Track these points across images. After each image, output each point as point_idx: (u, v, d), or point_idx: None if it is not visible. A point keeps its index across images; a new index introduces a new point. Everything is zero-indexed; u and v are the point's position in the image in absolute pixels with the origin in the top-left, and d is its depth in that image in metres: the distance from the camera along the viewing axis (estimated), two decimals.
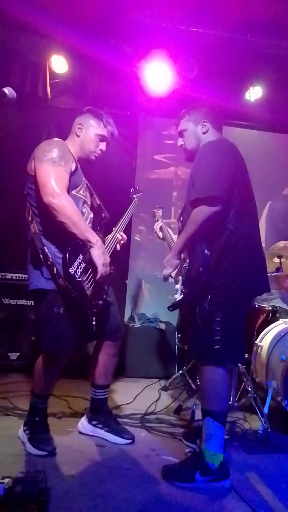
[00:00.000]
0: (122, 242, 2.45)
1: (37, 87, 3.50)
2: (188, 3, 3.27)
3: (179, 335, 3.78)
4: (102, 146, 2.31)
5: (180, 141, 2.27)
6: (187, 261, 2.09)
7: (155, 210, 2.70)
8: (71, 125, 2.35)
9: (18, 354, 3.48)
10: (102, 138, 2.29)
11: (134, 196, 2.68)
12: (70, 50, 3.46)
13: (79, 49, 3.36)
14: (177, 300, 2.10)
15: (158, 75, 3.57)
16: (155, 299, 4.31)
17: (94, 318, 2.10)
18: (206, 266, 1.97)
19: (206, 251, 1.98)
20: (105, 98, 3.62)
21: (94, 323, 2.10)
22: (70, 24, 3.21)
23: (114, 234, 2.40)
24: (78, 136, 2.28)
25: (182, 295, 2.08)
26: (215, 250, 2.00)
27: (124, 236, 2.47)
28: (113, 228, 2.43)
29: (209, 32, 3.48)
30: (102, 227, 2.34)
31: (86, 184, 2.33)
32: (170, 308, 2.13)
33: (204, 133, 2.19)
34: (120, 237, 2.43)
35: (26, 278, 3.35)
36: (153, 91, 3.66)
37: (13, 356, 3.48)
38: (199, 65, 3.60)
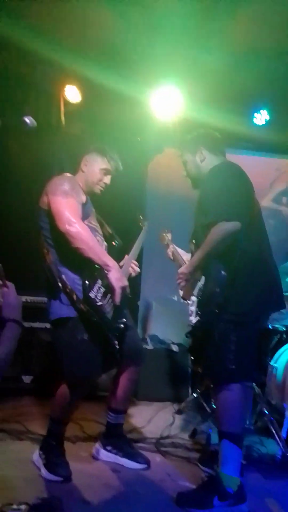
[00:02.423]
0: (134, 274, 2.47)
1: (51, 115, 3.63)
2: (195, 30, 3.39)
3: (192, 357, 3.75)
4: (106, 179, 2.37)
5: (184, 172, 2.34)
6: (202, 281, 2.10)
7: (164, 234, 2.72)
8: (83, 152, 2.43)
9: (31, 377, 3.48)
10: (105, 172, 2.36)
11: (144, 224, 2.71)
12: (83, 80, 3.60)
13: (91, 78, 3.49)
14: (193, 323, 2.09)
15: (167, 102, 3.67)
16: (167, 320, 4.30)
17: (116, 342, 2.11)
18: (223, 287, 1.98)
19: (222, 272, 1.99)
20: (116, 125, 3.74)
21: (117, 347, 2.10)
22: (83, 54, 3.34)
23: (127, 261, 2.43)
24: (83, 171, 2.36)
25: (197, 317, 2.08)
26: (229, 270, 2.01)
27: (137, 269, 2.48)
28: (126, 256, 2.46)
29: (217, 58, 3.59)
30: (115, 255, 2.37)
31: (96, 215, 2.40)
32: (188, 335, 2.12)
33: (202, 161, 2.24)
34: (133, 269, 2.45)
35: (40, 301, 3.40)
36: (162, 117, 3.77)
37: (27, 379, 3.48)
38: (207, 90, 3.70)
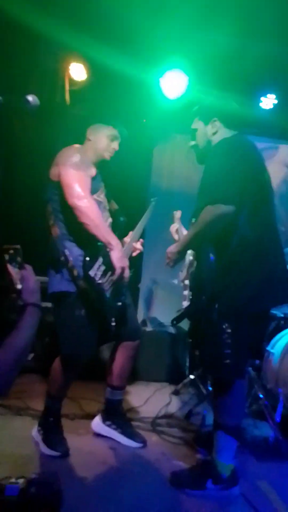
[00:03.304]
0: (137, 251, 2.48)
1: (55, 94, 3.58)
2: (202, 9, 3.29)
3: (190, 340, 3.79)
4: (114, 144, 2.38)
5: (191, 142, 2.20)
6: (194, 265, 2.08)
7: (174, 212, 2.73)
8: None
9: (32, 355, 3.54)
10: (112, 137, 2.36)
11: (152, 200, 2.71)
12: (89, 59, 3.53)
13: (97, 57, 3.41)
14: (183, 308, 2.08)
15: (173, 83, 3.61)
16: (167, 303, 4.33)
17: (113, 319, 2.16)
18: (210, 273, 1.90)
19: (211, 256, 1.91)
20: (122, 105, 3.68)
21: (113, 324, 2.15)
22: (89, 33, 3.27)
23: (132, 238, 2.44)
24: (90, 140, 2.35)
25: (188, 302, 2.07)
26: (224, 256, 1.92)
27: (140, 247, 2.49)
28: (130, 232, 2.48)
29: (224, 39, 3.50)
30: (120, 231, 2.40)
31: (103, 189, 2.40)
32: (174, 322, 2.10)
33: (214, 133, 2.11)
34: (137, 246, 2.46)
35: (42, 281, 3.43)
36: (169, 99, 3.72)
37: (28, 357, 3.53)
38: (214, 72, 3.63)
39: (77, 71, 3.63)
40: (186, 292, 2.14)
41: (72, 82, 3.67)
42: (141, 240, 2.51)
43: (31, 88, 3.19)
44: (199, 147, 2.18)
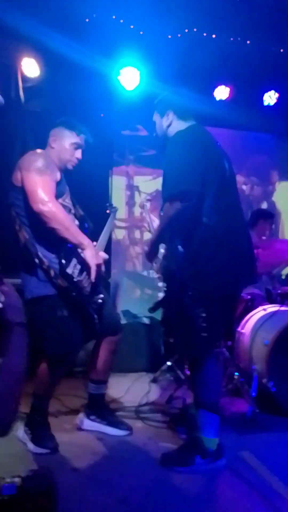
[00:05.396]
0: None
1: (10, 90, 3.51)
2: (156, 6, 3.35)
3: (163, 329, 3.89)
4: (78, 154, 2.35)
5: (154, 133, 2.30)
6: (164, 258, 2.17)
7: (144, 203, 2.81)
8: (45, 128, 2.39)
9: None
10: (76, 146, 2.34)
11: (112, 210, 2.72)
12: (42, 53, 3.48)
13: (50, 51, 3.37)
14: (159, 298, 2.18)
15: (129, 76, 3.66)
16: (138, 295, 4.41)
17: (96, 316, 2.18)
18: (180, 263, 2.01)
19: (179, 248, 2.02)
20: (78, 100, 3.67)
21: (97, 321, 2.18)
22: (41, 25, 3.22)
23: (97, 248, 2.43)
24: (52, 147, 2.32)
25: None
26: (191, 245, 2.02)
27: (105, 255, 2.46)
28: (94, 243, 2.46)
29: (178, 32, 3.59)
30: (88, 237, 2.39)
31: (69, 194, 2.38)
32: (151, 310, 2.19)
33: (168, 126, 2.18)
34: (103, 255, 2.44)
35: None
36: (125, 92, 3.76)
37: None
38: (169, 65, 3.71)
39: (30, 66, 3.57)
40: (160, 284, 2.22)
41: (25, 77, 3.60)
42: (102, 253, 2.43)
43: None
44: (159, 137, 2.27)
